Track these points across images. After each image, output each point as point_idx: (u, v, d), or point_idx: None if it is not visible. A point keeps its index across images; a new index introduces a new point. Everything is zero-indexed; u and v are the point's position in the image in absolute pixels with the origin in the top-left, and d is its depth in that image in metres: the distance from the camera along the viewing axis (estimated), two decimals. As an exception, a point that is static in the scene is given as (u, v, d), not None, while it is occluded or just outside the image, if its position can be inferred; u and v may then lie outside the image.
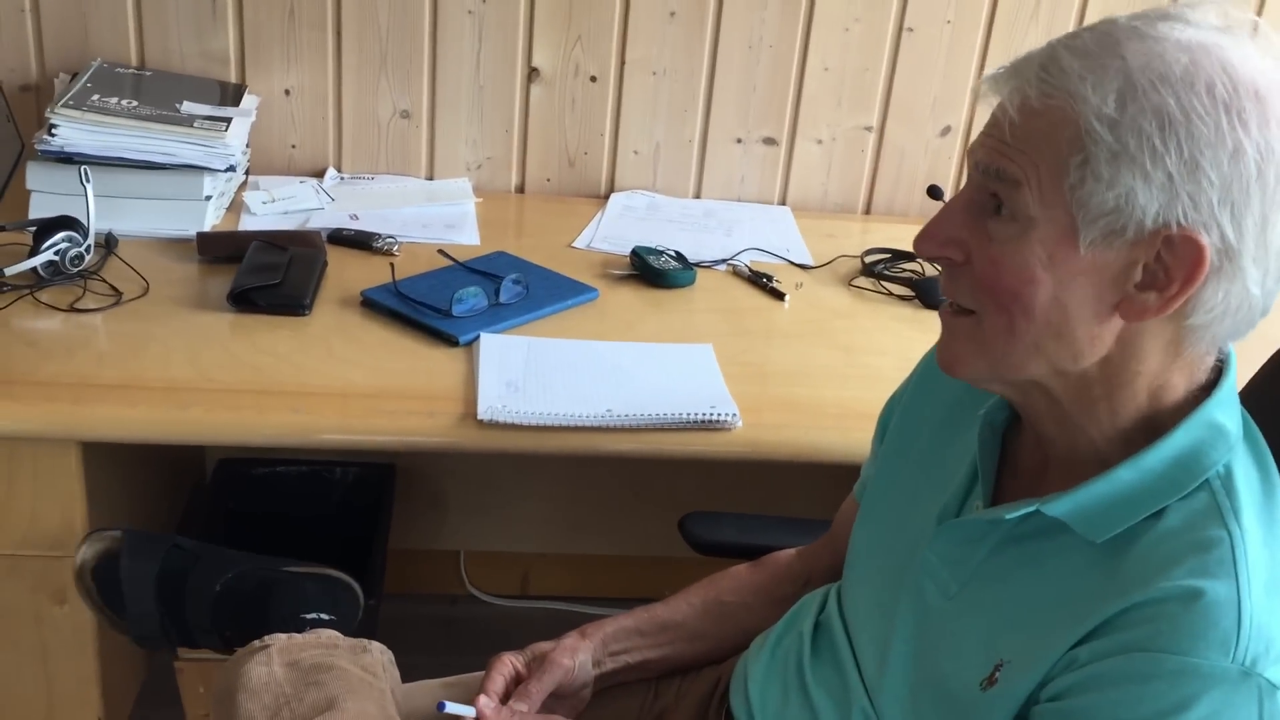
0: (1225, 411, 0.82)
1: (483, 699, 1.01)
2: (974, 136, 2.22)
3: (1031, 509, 0.83)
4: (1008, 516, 0.85)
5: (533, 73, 1.97)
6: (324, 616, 1.26)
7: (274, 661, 1.08)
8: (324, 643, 1.12)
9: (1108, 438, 0.83)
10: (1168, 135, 0.73)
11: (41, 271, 1.50)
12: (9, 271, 1.48)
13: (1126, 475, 0.80)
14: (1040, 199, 0.77)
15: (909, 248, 1.83)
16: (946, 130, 2.07)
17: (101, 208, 1.56)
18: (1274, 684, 0.73)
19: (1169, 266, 0.76)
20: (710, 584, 1.19)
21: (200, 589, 1.25)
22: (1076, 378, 0.82)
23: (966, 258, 0.82)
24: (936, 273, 1.80)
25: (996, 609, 0.86)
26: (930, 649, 0.90)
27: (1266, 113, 0.74)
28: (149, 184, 1.68)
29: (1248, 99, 0.74)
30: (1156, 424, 0.82)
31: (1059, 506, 0.82)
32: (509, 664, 1.07)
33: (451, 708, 0.99)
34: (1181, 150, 0.73)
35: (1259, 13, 2.00)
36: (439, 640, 2.14)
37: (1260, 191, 0.74)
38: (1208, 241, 0.74)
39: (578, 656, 1.09)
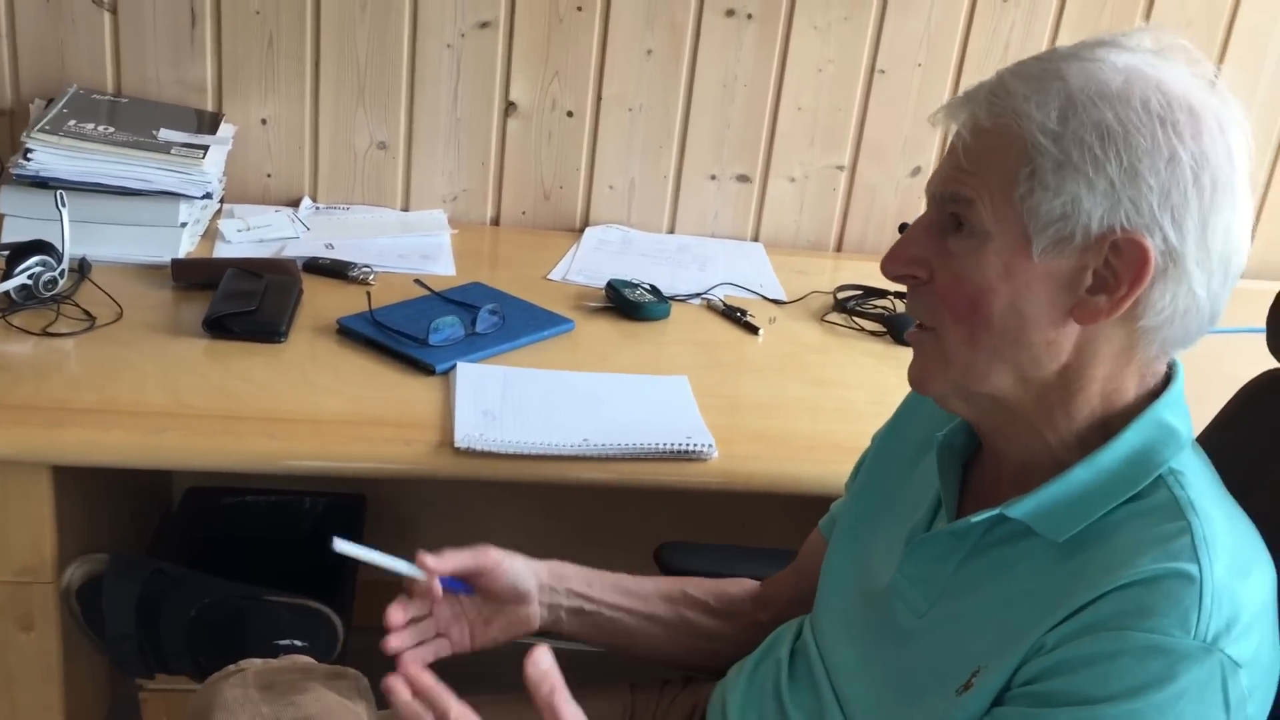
0: (1174, 413, 0.86)
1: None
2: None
3: (995, 513, 0.87)
4: (974, 520, 0.88)
5: (510, 107, 1.99)
6: (298, 643, 1.25)
7: (249, 683, 1.07)
8: (299, 667, 1.12)
9: (1064, 443, 0.87)
10: (1108, 145, 0.79)
11: (14, 295, 1.49)
12: (-19, 295, 1.47)
13: (1083, 475, 0.84)
14: (994, 213, 0.82)
15: (881, 284, 1.88)
16: (917, 170, 2.11)
17: (76, 233, 1.56)
18: (1236, 661, 0.76)
19: (1117, 270, 0.81)
20: (678, 579, 1.21)
21: (176, 613, 1.24)
22: (1037, 386, 0.85)
23: (930, 276, 0.87)
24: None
25: (968, 619, 0.88)
26: (906, 669, 0.92)
27: (1199, 126, 0.80)
28: (124, 210, 1.68)
29: (1181, 112, 0.80)
30: (1109, 426, 0.86)
31: (1021, 508, 0.86)
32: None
33: (345, 547, 1.00)
34: (1121, 159, 0.79)
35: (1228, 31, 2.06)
36: (406, 673, 2.12)
37: (1198, 196, 0.79)
38: (1151, 244, 0.80)
39: (515, 560, 1.11)
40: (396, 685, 0.88)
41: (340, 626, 1.30)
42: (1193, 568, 0.77)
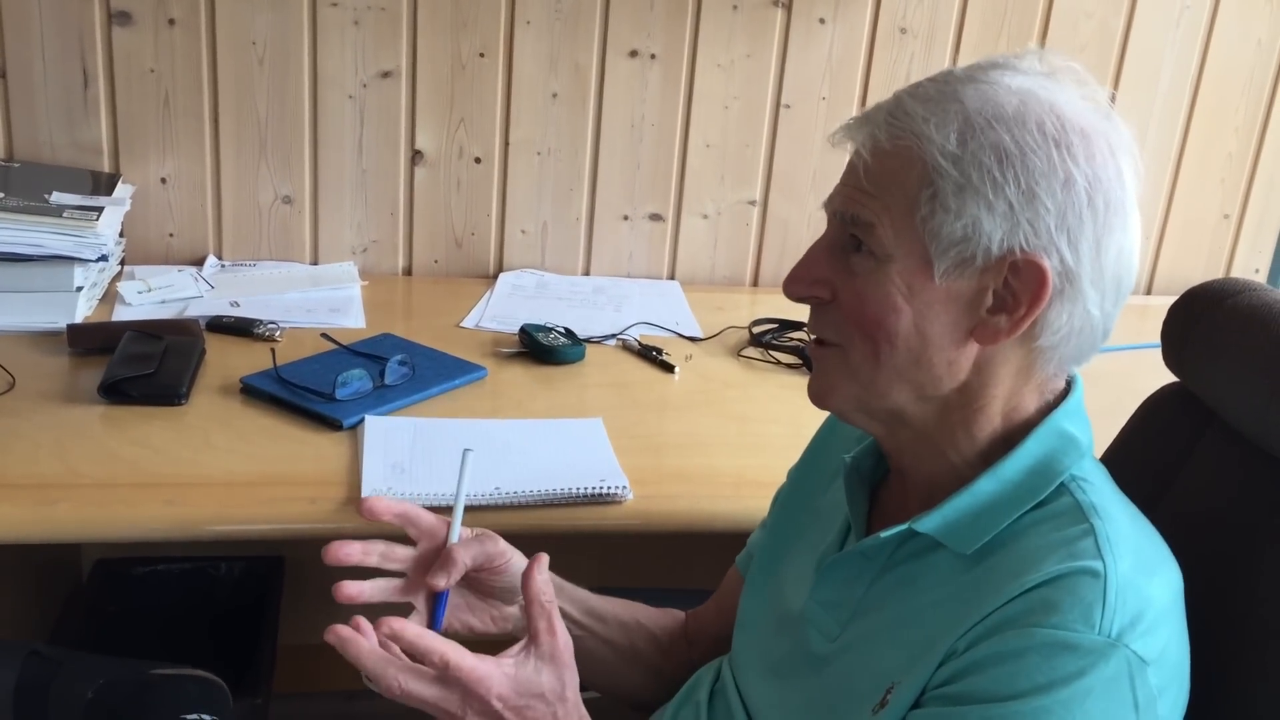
0: (1074, 422, 0.87)
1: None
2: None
3: (904, 528, 0.87)
4: (884, 536, 0.88)
5: (416, 155, 1.97)
6: (205, 717, 1.20)
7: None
8: (200, 742, 1.07)
9: (967, 461, 0.87)
10: (1005, 167, 0.80)
11: (-102, 370, 1.43)
12: None
13: (987, 486, 0.85)
14: (895, 236, 0.82)
15: (796, 317, 1.88)
16: (827, 202, 2.12)
17: (-35, 302, 1.51)
18: (1143, 658, 0.76)
19: (1016, 291, 0.81)
20: (633, 605, 1.19)
21: (67, 700, 1.18)
22: (937, 404, 0.86)
23: (833, 295, 0.87)
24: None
25: (879, 636, 0.88)
26: (822, 696, 0.91)
27: (1091, 148, 0.81)
28: (16, 277, 1.63)
29: (1074, 135, 0.81)
30: (1011, 440, 0.86)
31: (929, 522, 0.86)
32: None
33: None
34: (1019, 181, 0.79)
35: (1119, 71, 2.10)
36: (336, 739, 2.06)
37: (1092, 217, 0.80)
38: (1049, 265, 0.80)
39: (515, 555, 1.05)
40: (343, 632, 0.86)
41: (228, 693, 1.25)
42: (1097, 564, 0.77)
